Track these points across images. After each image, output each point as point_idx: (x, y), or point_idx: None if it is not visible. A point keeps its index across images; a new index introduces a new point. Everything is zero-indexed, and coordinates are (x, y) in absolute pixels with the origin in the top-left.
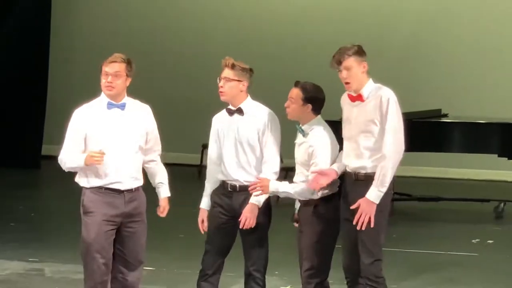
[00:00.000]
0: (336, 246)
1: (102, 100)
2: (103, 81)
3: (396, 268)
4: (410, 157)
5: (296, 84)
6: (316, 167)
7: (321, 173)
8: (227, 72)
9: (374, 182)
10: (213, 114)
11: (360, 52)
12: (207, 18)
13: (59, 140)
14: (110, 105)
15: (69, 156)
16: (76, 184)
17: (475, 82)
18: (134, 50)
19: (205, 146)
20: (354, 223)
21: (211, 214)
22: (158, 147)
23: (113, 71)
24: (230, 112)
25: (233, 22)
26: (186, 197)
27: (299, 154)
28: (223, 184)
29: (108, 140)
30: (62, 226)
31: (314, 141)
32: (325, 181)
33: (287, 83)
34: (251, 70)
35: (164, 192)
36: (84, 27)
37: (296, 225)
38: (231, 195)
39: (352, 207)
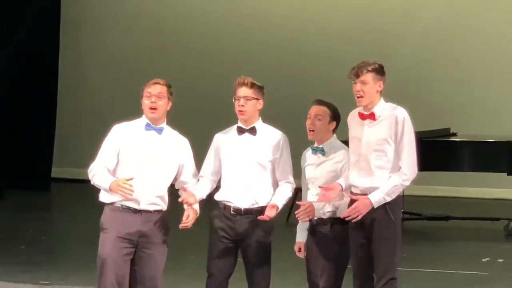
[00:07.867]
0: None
1: (142, 120)
2: (146, 102)
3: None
4: (420, 176)
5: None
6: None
7: (328, 188)
8: (245, 91)
9: (382, 188)
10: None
11: (379, 70)
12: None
13: (68, 162)
14: (148, 127)
15: (99, 171)
16: (86, 206)
17: (484, 100)
18: (147, 55)
19: None
20: (342, 216)
21: (212, 239)
22: (193, 180)
23: (156, 92)
24: (241, 131)
25: (242, 24)
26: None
27: (320, 173)
28: (224, 207)
29: (136, 159)
30: (73, 248)
31: (344, 156)
32: (333, 195)
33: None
34: (263, 87)
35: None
36: (94, 47)
37: (299, 254)
38: (235, 218)
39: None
